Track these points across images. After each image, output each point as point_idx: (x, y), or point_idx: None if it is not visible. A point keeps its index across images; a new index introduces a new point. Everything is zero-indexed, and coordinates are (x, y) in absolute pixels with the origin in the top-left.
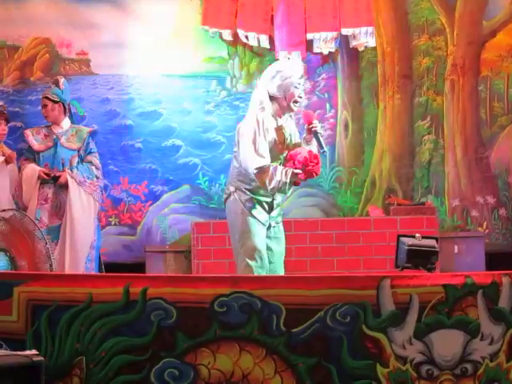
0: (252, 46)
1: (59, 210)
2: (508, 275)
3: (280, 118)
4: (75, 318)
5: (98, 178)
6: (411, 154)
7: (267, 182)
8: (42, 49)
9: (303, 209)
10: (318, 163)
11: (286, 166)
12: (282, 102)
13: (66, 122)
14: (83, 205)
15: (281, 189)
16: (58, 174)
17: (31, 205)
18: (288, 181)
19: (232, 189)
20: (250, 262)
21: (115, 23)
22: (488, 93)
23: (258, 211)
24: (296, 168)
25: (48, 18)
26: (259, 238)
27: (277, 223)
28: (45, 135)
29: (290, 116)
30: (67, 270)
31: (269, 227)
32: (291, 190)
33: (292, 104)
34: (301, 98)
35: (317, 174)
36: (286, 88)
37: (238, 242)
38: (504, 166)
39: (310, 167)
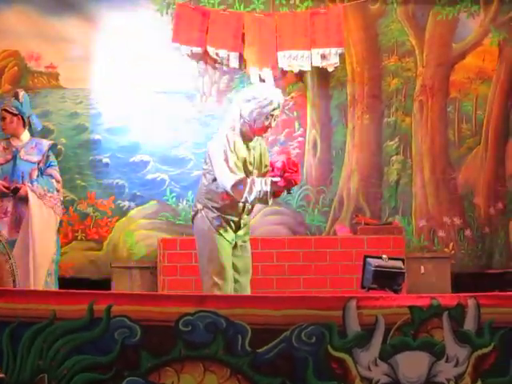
0: (222, 63)
1: (19, 223)
2: (473, 297)
3: (250, 139)
4: (38, 335)
5: (58, 191)
6: (379, 173)
7: (247, 195)
8: (11, 61)
9: (270, 227)
10: (297, 171)
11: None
12: (252, 126)
13: (25, 135)
14: (44, 218)
15: (262, 199)
16: (18, 185)
17: None
18: (268, 189)
19: (200, 206)
20: (215, 279)
21: (85, 37)
22: (456, 114)
23: (225, 229)
24: (275, 176)
25: (17, 31)
26: (225, 256)
27: (244, 242)
28: (3, 148)
29: (262, 137)
30: (27, 285)
31: (235, 246)
32: (271, 201)
33: (259, 131)
34: (269, 128)
35: (296, 183)
36: (257, 116)
37: (204, 259)
38: (471, 188)
39: (289, 174)
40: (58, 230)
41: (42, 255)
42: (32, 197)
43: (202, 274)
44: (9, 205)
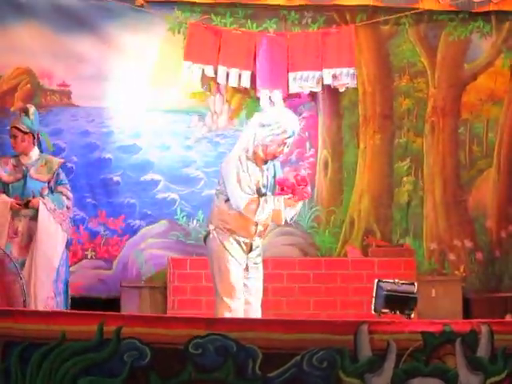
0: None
1: (29, 243)
2: (487, 324)
3: (263, 162)
4: (47, 356)
5: (68, 208)
6: (390, 194)
7: (260, 214)
8: (24, 79)
9: (281, 247)
10: (306, 185)
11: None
12: (265, 150)
13: (34, 153)
14: (50, 233)
15: (275, 217)
16: (29, 198)
17: (2, 237)
18: (282, 207)
19: (211, 227)
20: (226, 300)
21: (98, 55)
22: (468, 136)
23: (236, 251)
24: (286, 193)
25: (31, 48)
26: (236, 276)
27: (255, 264)
28: (13, 166)
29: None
30: (31, 301)
31: (247, 267)
32: (283, 219)
33: (270, 156)
34: (281, 153)
35: (308, 196)
36: (270, 142)
37: (216, 279)
38: (482, 210)
39: (300, 189)
40: (68, 248)
41: (44, 272)
42: (42, 209)
43: (216, 295)
44: (19, 225)
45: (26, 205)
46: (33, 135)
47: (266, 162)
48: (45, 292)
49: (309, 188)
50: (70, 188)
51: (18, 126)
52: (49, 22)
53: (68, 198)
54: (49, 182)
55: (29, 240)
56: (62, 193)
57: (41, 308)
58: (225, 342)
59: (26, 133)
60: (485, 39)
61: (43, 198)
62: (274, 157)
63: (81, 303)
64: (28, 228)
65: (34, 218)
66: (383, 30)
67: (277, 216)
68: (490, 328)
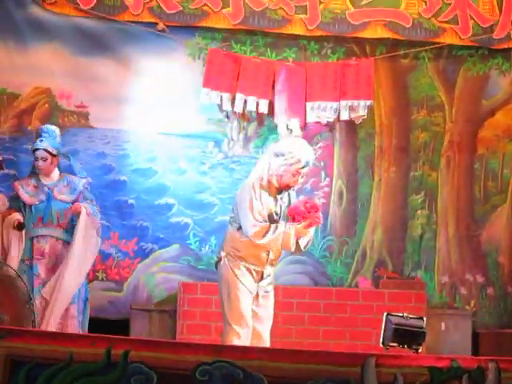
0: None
1: (56, 264)
2: (494, 361)
3: (277, 191)
4: (54, 377)
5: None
6: (403, 227)
7: (268, 240)
8: (42, 98)
9: (292, 275)
10: (317, 211)
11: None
12: (279, 180)
13: (55, 173)
14: (89, 240)
15: (285, 244)
16: (72, 208)
17: (13, 253)
18: (292, 232)
19: (223, 254)
20: (234, 327)
21: (117, 78)
22: (483, 171)
23: (246, 278)
24: (298, 221)
25: (50, 68)
26: (245, 304)
27: (266, 292)
28: (34, 186)
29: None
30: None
31: (257, 295)
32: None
33: (284, 186)
34: (294, 184)
35: (319, 222)
36: (284, 172)
37: (225, 306)
38: (495, 245)
39: (311, 215)
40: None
41: (73, 276)
42: (84, 214)
43: (224, 321)
44: (46, 246)
45: (19, 227)
46: (58, 157)
47: (280, 192)
48: (65, 309)
49: (320, 214)
50: (96, 204)
51: (47, 148)
52: (69, 44)
53: (98, 210)
54: (74, 202)
55: (55, 261)
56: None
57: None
58: (232, 370)
59: (54, 155)
60: (503, 76)
61: (84, 203)
62: (289, 187)
63: (90, 324)
64: (55, 249)
65: (60, 238)
66: (403, 63)
67: (286, 241)
68: (498, 365)
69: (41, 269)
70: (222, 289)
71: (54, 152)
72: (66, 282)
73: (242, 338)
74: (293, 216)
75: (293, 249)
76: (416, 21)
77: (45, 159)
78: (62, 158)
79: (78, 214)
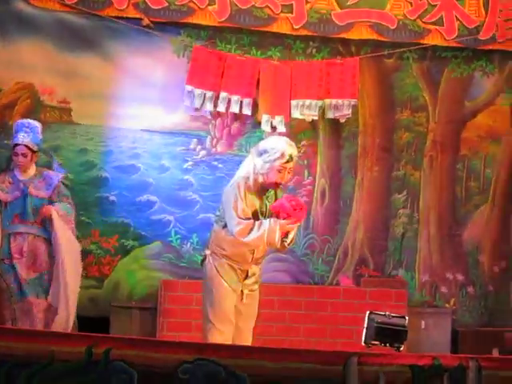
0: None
1: (35, 262)
2: (475, 359)
3: (265, 190)
4: (35, 376)
5: (73, 216)
6: (385, 226)
7: (253, 236)
8: (24, 93)
9: (273, 273)
10: (302, 208)
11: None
12: (265, 179)
13: (32, 168)
14: (69, 238)
15: (270, 240)
16: (42, 211)
17: None
18: (277, 229)
19: (208, 252)
20: (216, 325)
21: (100, 74)
22: (465, 171)
23: (231, 277)
24: (284, 219)
25: (33, 64)
26: (228, 302)
27: (251, 291)
28: (9, 182)
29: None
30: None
31: (242, 293)
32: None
33: (272, 185)
34: (282, 181)
35: (304, 218)
36: (269, 169)
37: (207, 304)
38: (475, 245)
39: (296, 213)
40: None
41: (73, 277)
42: (56, 216)
43: (204, 318)
44: (24, 244)
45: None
46: (37, 153)
47: (267, 191)
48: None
49: (304, 212)
50: (71, 200)
51: (28, 144)
52: (53, 39)
53: (73, 208)
54: (50, 198)
55: (34, 258)
56: (67, 202)
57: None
58: (213, 368)
59: (34, 152)
60: (487, 78)
61: (53, 204)
62: (276, 184)
63: None
64: (33, 246)
65: (38, 235)
66: (387, 63)
67: (272, 238)
68: (479, 363)
69: (20, 268)
70: (205, 287)
71: (35, 148)
72: (69, 288)
73: (224, 336)
74: (277, 213)
75: (278, 245)
76: (401, 22)
77: (25, 155)
78: (43, 154)
79: (49, 216)
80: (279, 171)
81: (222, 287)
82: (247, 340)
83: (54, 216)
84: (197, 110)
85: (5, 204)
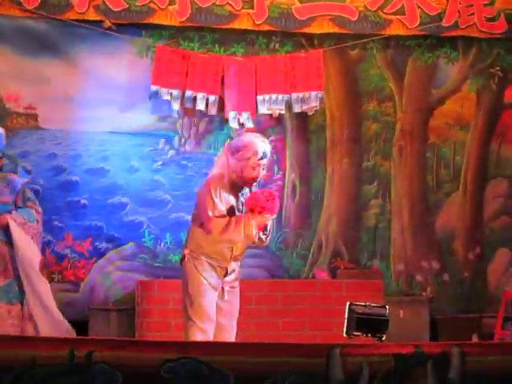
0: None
1: (6, 267)
2: (458, 345)
3: (240, 187)
4: (17, 381)
5: (38, 221)
6: (358, 217)
7: (231, 233)
8: None
9: (249, 269)
10: (274, 199)
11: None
12: (240, 176)
13: None
14: (26, 247)
15: (248, 236)
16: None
17: None
18: (254, 224)
19: (186, 251)
20: (198, 323)
21: (65, 78)
22: (435, 159)
23: (210, 274)
24: (259, 213)
25: None
26: (208, 300)
27: (232, 288)
28: None
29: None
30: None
31: (222, 290)
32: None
33: (247, 181)
34: (257, 177)
35: (277, 209)
36: (242, 168)
37: (188, 302)
38: (449, 232)
39: (270, 204)
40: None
41: (43, 287)
42: (13, 225)
43: (185, 317)
44: None
45: None
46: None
47: (242, 188)
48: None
49: (277, 202)
50: (38, 204)
51: None
52: (15, 45)
53: (37, 212)
54: (15, 202)
55: (4, 264)
56: (31, 207)
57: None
58: (197, 366)
59: None
60: (452, 65)
61: (10, 213)
62: (253, 180)
63: None
64: (2, 252)
65: (8, 240)
66: (351, 54)
67: (249, 233)
68: (462, 349)
69: None
70: (185, 286)
71: None
72: (44, 296)
73: (206, 333)
74: (252, 207)
75: (256, 239)
76: (362, 14)
77: None
78: (7, 160)
79: (6, 225)
80: (253, 168)
81: (201, 285)
82: (230, 337)
83: (11, 224)
84: (164, 110)
85: None
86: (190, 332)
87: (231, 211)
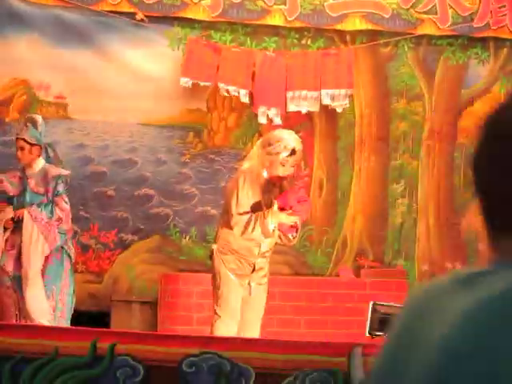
0: (232, 100)
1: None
2: None
3: (268, 184)
4: (39, 371)
5: (60, 219)
6: (384, 216)
7: (251, 230)
8: (20, 90)
9: (272, 266)
10: (306, 201)
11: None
12: (269, 172)
13: (38, 164)
14: (32, 243)
15: (266, 232)
16: (16, 214)
17: None
18: (270, 221)
19: (215, 247)
20: (222, 317)
21: (96, 69)
22: (463, 160)
23: (238, 271)
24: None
25: (28, 59)
26: (234, 295)
27: (259, 284)
28: (19, 178)
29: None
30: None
31: (250, 287)
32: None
33: (275, 177)
34: (285, 174)
35: (307, 212)
36: (271, 162)
37: (216, 297)
38: (474, 234)
39: (300, 206)
40: (71, 262)
41: (31, 280)
42: (27, 220)
43: (214, 312)
44: (18, 239)
45: (14, 219)
46: (40, 147)
47: (273, 185)
48: (38, 304)
49: (308, 205)
50: (66, 199)
51: (24, 137)
52: (48, 35)
53: (61, 209)
54: (47, 193)
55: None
56: (56, 203)
57: (36, 321)
58: (218, 361)
59: (33, 145)
60: (482, 65)
61: (31, 207)
62: (280, 178)
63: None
64: (16, 244)
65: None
66: (382, 52)
67: (265, 229)
68: None
69: (8, 261)
70: (213, 281)
71: (33, 141)
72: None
73: (229, 328)
74: (281, 205)
75: (273, 235)
76: (395, 11)
77: (22, 148)
78: (46, 147)
79: (22, 218)
80: (282, 164)
81: (228, 281)
82: (254, 332)
83: (25, 219)
84: (193, 102)
85: (12, 198)
86: (215, 326)
87: (258, 207)
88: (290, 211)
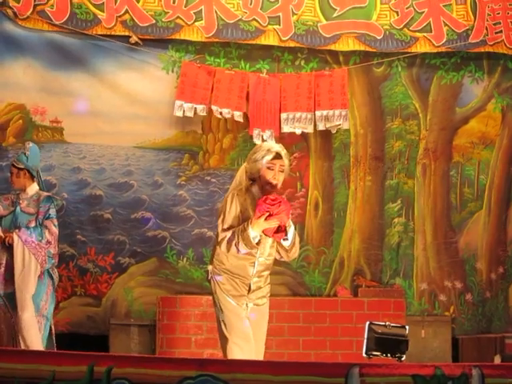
0: (226, 122)
1: (13, 276)
2: (478, 367)
3: (259, 194)
4: None
5: (49, 242)
6: (381, 235)
7: (237, 245)
8: (16, 114)
9: (270, 287)
10: (280, 201)
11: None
12: (259, 181)
13: (31, 188)
14: (24, 264)
15: (248, 243)
16: (6, 234)
17: None
18: (249, 230)
19: (210, 267)
20: (233, 340)
21: (91, 93)
22: (459, 178)
23: (233, 291)
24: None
25: (24, 84)
26: (235, 315)
27: (256, 305)
28: (12, 201)
29: None
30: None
31: (247, 307)
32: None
33: (267, 186)
34: (275, 181)
35: (288, 210)
36: (258, 169)
37: (220, 319)
38: (472, 252)
39: (276, 207)
40: (54, 285)
41: (23, 300)
42: (16, 241)
43: (220, 335)
44: (3, 257)
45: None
46: (29, 171)
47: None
48: (29, 325)
49: (286, 204)
50: (56, 223)
51: (13, 162)
52: (43, 58)
53: (51, 233)
54: (37, 215)
55: (12, 273)
56: (46, 226)
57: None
58: (215, 383)
59: (20, 169)
60: (476, 83)
61: (19, 230)
62: (271, 185)
63: (69, 339)
64: (11, 261)
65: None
66: (376, 72)
67: (246, 239)
68: (481, 371)
69: None
70: (214, 303)
71: (20, 165)
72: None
73: (244, 350)
74: (258, 215)
75: (254, 243)
76: (388, 32)
77: (11, 173)
78: (31, 171)
79: (11, 242)
80: (269, 168)
81: (228, 302)
82: (259, 354)
83: (15, 241)
84: (188, 125)
85: (0, 219)
86: (228, 350)
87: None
88: (267, 214)
